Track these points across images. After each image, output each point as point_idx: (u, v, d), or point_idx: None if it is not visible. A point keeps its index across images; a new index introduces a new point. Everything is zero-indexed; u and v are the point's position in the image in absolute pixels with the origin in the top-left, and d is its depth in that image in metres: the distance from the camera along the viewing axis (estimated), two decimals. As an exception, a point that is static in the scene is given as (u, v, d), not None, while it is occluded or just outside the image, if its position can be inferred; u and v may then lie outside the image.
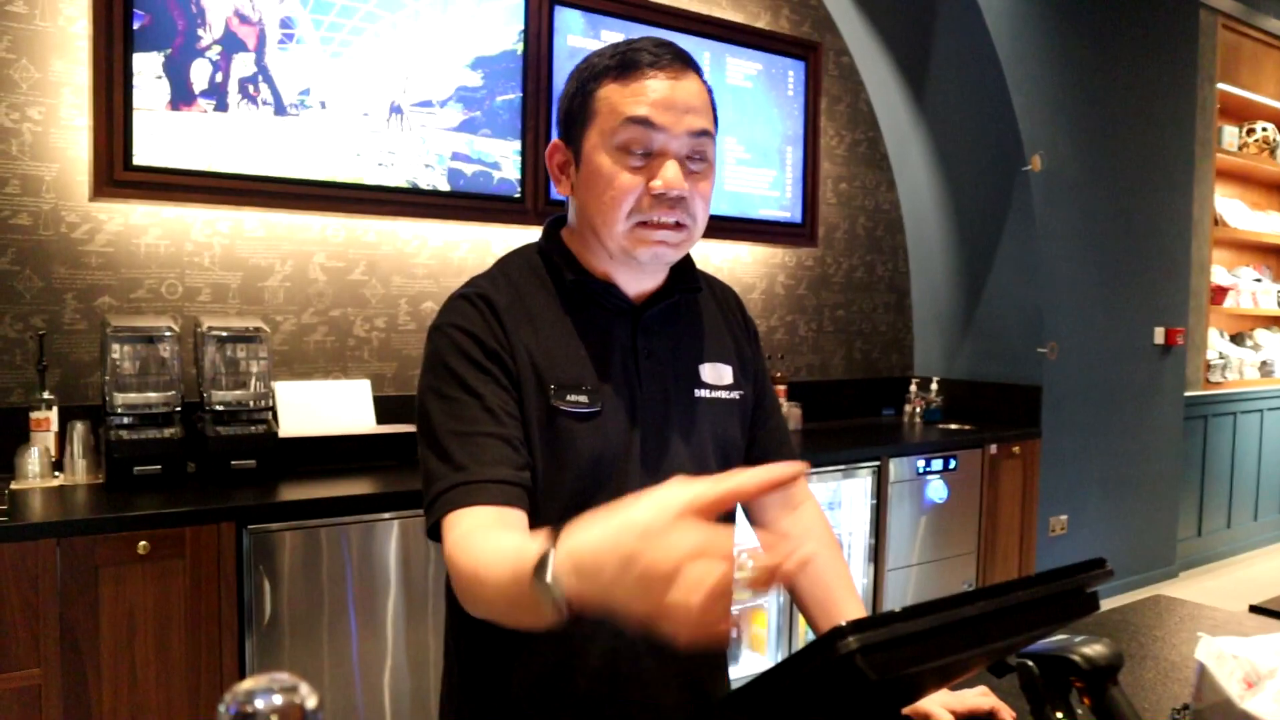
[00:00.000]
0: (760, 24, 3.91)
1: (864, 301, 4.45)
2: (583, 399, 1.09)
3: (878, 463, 3.49)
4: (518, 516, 1.01)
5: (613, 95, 1.07)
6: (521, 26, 3.09)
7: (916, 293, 4.64)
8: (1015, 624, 0.77)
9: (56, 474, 2.40)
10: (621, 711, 1.11)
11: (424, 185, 2.93)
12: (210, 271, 2.77)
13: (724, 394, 1.21)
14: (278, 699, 0.42)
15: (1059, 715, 0.92)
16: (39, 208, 2.52)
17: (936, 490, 3.69)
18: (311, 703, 0.43)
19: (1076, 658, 0.92)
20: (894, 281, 4.58)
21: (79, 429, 2.41)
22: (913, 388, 4.34)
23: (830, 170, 4.25)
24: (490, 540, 0.94)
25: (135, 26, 2.45)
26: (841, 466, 3.38)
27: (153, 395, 2.40)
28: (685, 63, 1.10)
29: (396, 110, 2.87)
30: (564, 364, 1.10)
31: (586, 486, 1.08)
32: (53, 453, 2.41)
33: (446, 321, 1.10)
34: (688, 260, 1.22)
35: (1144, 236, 4.67)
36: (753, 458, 1.28)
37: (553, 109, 3.15)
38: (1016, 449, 4.00)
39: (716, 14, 3.74)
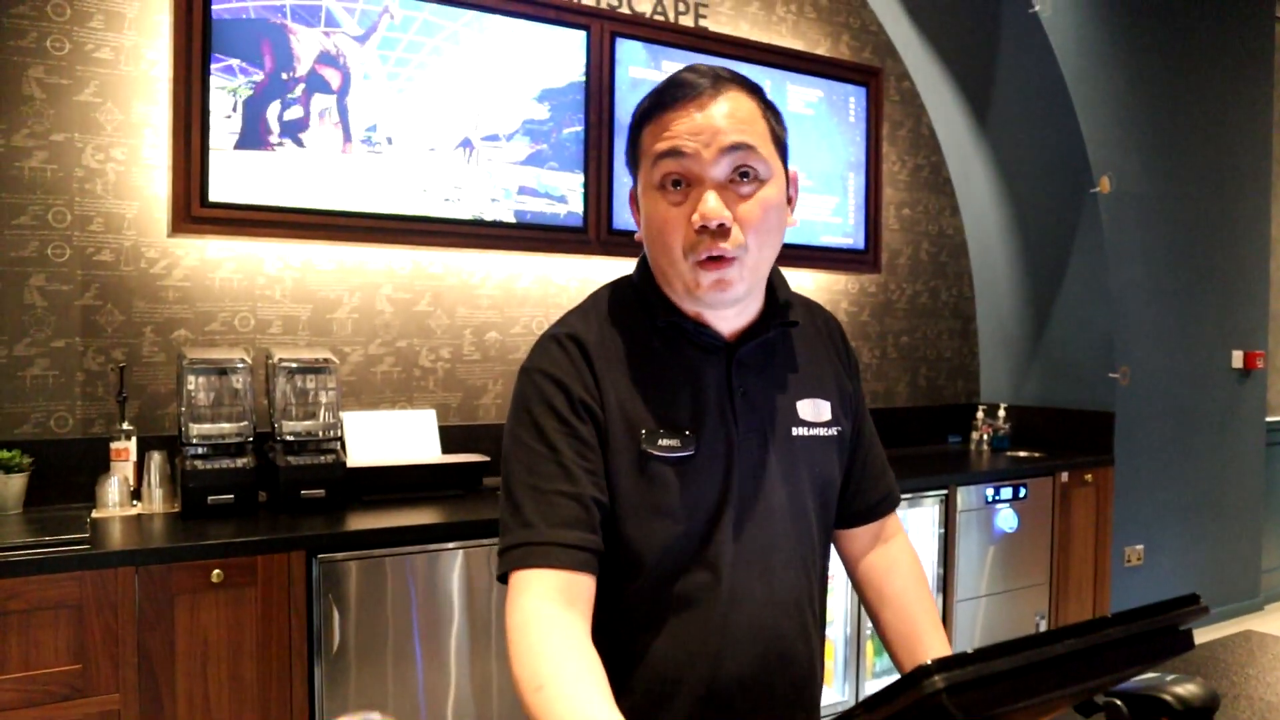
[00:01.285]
0: (820, 51, 3.91)
1: (928, 327, 4.38)
2: (675, 443, 1.07)
3: (945, 491, 3.42)
4: (584, 584, 1.01)
5: (648, 136, 1.06)
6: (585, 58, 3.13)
7: (982, 318, 4.56)
8: (1105, 663, 0.75)
9: (135, 503, 2.47)
10: None
11: (490, 219, 2.97)
12: (281, 304, 2.83)
13: (822, 431, 1.17)
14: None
15: (1151, 758, 0.89)
16: (120, 244, 2.61)
17: (1006, 519, 3.60)
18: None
19: (1169, 698, 0.88)
20: (959, 307, 4.51)
21: (156, 459, 2.47)
22: (980, 414, 4.26)
23: (892, 196, 4.21)
24: (562, 656, 0.93)
25: (216, 67, 2.54)
26: (908, 495, 3.31)
27: (226, 426, 2.45)
28: (722, 83, 1.05)
29: (466, 144, 2.92)
30: (656, 407, 1.08)
31: (682, 532, 1.07)
32: (131, 482, 2.48)
33: (535, 366, 1.09)
34: (782, 292, 1.18)
35: (1219, 257, 4.53)
36: (849, 491, 1.25)
37: (614, 141, 3.18)
38: (1089, 477, 3.89)
39: (777, 42, 3.75)
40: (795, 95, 3.65)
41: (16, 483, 2.37)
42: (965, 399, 4.53)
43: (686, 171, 1.03)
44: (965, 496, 3.47)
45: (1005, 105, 4.17)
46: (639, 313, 1.13)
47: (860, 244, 3.85)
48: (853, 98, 3.81)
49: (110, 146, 2.58)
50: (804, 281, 3.91)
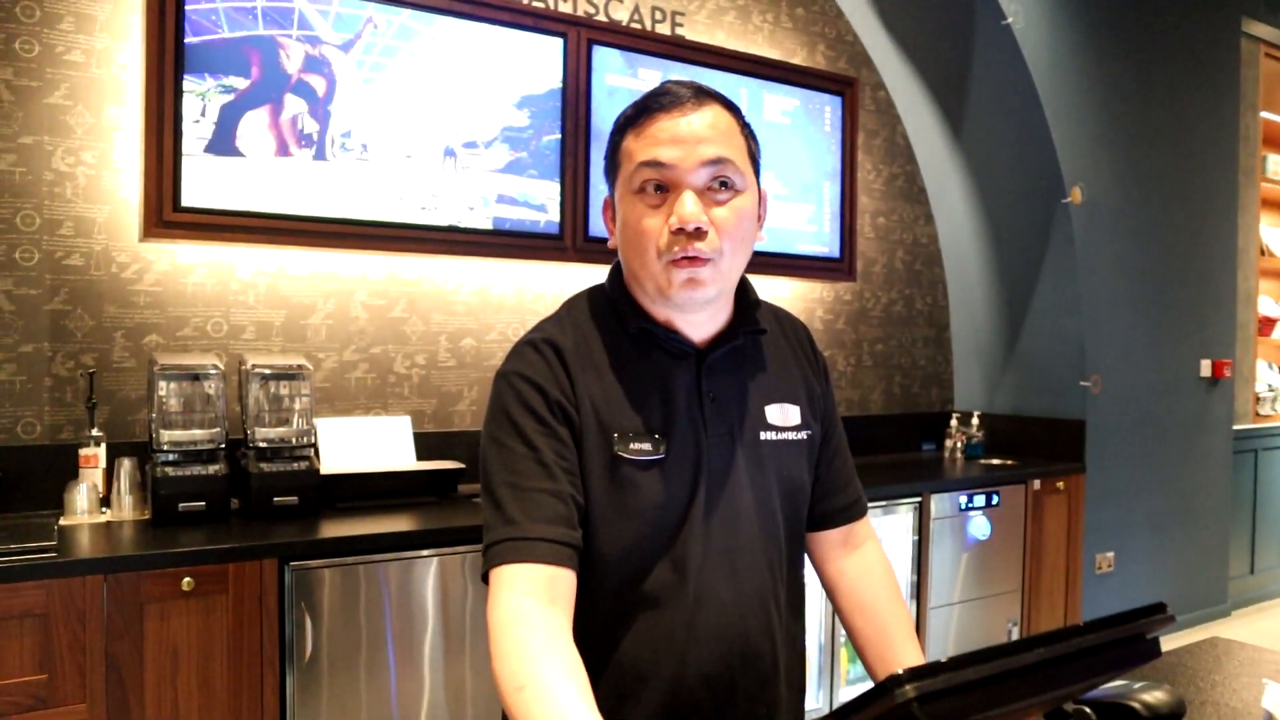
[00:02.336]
0: (796, 60, 3.93)
1: (903, 335, 4.41)
2: (646, 447, 1.09)
3: (919, 499, 3.44)
4: (566, 580, 1.02)
5: (630, 145, 1.10)
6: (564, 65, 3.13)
7: (956, 326, 4.60)
8: (1074, 671, 0.76)
9: (104, 510, 2.44)
10: None
11: (466, 226, 2.96)
12: (255, 310, 2.81)
13: (791, 435, 1.19)
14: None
15: (1119, 765, 0.89)
16: (90, 249, 2.58)
17: (979, 527, 3.62)
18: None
19: (1137, 705, 0.89)
20: (933, 315, 4.54)
21: (126, 465, 2.44)
22: (953, 422, 4.29)
23: (868, 204, 4.24)
24: (543, 657, 0.94)
25: (184, 67, 2.51)
26: (882, 503, 3.33)
27: (198, 432, 2.43)
28: (702, 96, 1.10)
29: (449, 153, 2.91)
30: (628, 411, 1.10)
31: (650, 534, 1.09)
32: (100, 489, 2.45)
33: (512, 369, 1.11)
34: (751, 300, 1.21)
35: (1188, 267, 4.60)
36: (817, 493, 1.27)
37: (591, 148, 3.18)
38: (1061, 484, 3.93)
39: (753, 51, 3.77)
40: (771, 104, 3.66)
41: (-18, 490, 2.34)
42: (939, 407, 4.57)
43: (666, 178, 1.07)
44: (939, 504, 3.49)
45: (979, 116, 4.21)
46: (612, 319, 1.15)
47: (836, 252, 3.87)
48: (828, 107, 3.83)
49: (80, 150, 2.56)
50: (780, 289, 3.93)
